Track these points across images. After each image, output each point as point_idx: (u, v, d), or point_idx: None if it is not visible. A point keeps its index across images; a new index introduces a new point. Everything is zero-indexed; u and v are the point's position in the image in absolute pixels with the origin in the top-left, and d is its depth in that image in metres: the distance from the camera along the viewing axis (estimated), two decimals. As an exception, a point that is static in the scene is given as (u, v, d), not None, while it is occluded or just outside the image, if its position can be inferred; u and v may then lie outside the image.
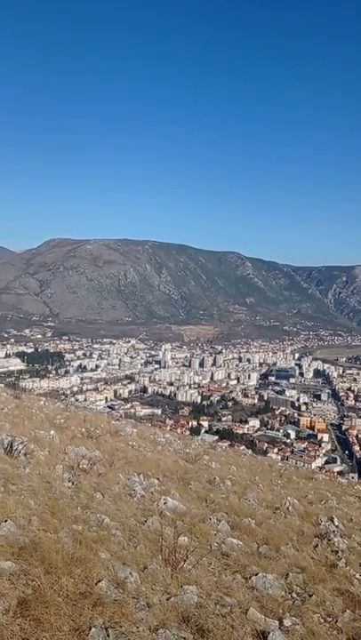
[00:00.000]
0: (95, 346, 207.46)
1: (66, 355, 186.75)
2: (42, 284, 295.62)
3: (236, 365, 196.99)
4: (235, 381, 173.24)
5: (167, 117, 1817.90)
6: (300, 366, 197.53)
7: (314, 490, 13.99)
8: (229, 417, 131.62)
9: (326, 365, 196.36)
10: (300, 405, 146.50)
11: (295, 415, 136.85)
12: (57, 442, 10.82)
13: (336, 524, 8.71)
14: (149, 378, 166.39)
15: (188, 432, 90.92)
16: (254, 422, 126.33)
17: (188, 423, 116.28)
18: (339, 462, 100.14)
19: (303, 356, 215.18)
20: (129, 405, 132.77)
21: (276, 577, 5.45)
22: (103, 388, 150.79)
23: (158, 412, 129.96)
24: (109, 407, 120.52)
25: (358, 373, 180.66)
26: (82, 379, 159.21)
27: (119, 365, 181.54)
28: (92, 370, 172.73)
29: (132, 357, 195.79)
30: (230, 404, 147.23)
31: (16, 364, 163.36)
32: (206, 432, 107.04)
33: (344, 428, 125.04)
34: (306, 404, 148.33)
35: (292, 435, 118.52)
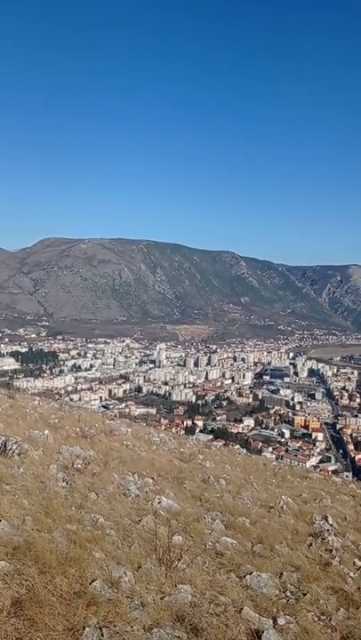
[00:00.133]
0: (90, 345, 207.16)
1: (60, 354, 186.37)
2: (36, 283, 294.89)
3: (231, 365, 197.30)
4: (229, 381, 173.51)
5: (167, 117, 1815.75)
6: (294, 365, 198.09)
7: (308, 489, 14.03)
8: (224, 416, 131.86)
9: (321, 364, 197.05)
10: (294, 404, 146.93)
11: (290, 414, 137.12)
12: (51, 441, 10.79)
13: (330, 522, 8.74)
14: (144, 377, 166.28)
15: (182, 431, 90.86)
16: (249, 421, 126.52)
17: (182, 422, 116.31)
18: (333, 461, 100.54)
19: (298, 356, 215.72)
20: (123, 405, 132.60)
21: (270, 576, 5.46)
22: (98, 388, 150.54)
23: (153, 411, 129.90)
24: (104, 407, 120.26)
25: (353, 372, 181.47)
26: (76, 378, 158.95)
27: (114, 365, 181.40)
28: (86, 369, 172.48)
29: (126, 357, 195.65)
30: (225, 403, 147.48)
31: (10, 364, 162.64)
32: (201, 431, 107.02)
33: (338, 426, 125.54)
34: (300, 403, 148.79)
35: (287, 434, 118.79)
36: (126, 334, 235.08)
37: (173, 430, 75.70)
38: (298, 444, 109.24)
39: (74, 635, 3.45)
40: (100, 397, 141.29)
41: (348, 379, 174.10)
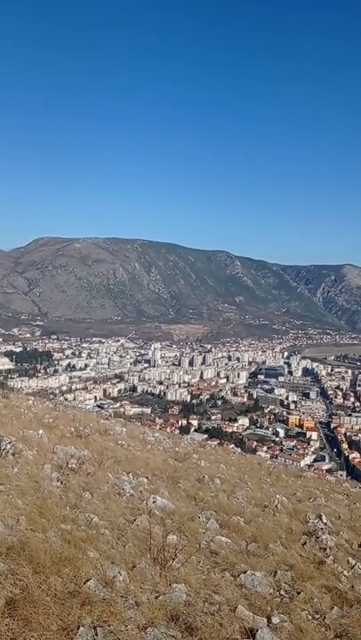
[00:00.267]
0: (84, 345, 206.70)
1: (55, 354, 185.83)
2: (30, 282, 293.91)
3: (226, 364, 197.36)
4: (224, 380, 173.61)
5: (167, 117, 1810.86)
6: (289, 365, 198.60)
7: (302, 488, 14.07)
8: (219, 415, 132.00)
9: (315, 364, 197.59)
10: (289, 404, 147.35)
11: (284, 413, 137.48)
12: (45, 441, 10.76)
13: (324, 521, 8.79)
14: (139, 377, 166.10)
15: (177, 431, 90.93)
16: (243, 421, 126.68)
17: (177, 422, 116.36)
18: (327, 460, 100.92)
19: (292, 355, 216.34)
20: (118, 404, 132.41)
21: (264, 574, 5.48)
22: (92, 388, 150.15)
23: (148, 410, 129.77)
24: (99, 406, 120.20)
25: (347, 371, 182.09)
26: (71, 378, 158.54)
27: (108, 364, 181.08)
28: (81, 369, 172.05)
29: (121, 356, 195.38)
30: (220, 402, 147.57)
31: (4, 364, 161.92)
32: (196, 431, 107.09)
33: (333, 426, 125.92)
34: (295, 402, 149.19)
35: (281, 433, 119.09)
36: (121, 334, 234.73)
37: (168, 430, 75.73)
38: (292, 443, 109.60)
39: (68, 634, 3.45)
40: (95, 397, 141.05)
41: (343, 378, 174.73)
